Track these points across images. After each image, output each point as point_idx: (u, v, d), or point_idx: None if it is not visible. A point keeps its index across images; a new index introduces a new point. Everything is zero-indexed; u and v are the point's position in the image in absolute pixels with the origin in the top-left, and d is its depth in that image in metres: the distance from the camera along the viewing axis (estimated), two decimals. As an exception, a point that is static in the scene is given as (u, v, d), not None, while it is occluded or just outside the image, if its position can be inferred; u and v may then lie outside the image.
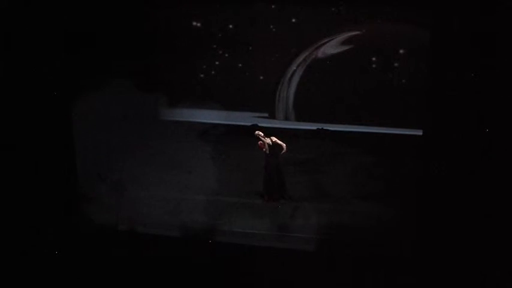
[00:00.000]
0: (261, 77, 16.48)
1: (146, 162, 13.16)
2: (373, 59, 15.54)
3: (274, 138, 12.43)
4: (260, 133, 12.42)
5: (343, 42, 15.84)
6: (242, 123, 16.32)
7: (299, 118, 16.46)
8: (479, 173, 10.37)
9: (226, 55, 16.28)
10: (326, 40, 15.97)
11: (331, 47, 15.97)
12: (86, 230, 11.36)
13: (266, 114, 16.86)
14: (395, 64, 15.35)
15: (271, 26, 15.92)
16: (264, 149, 12.33)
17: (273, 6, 15.59)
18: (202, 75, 16.42)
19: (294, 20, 15.74)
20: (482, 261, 9.77)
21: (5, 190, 11.32)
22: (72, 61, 11.60)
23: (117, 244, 11.27)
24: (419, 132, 13.56)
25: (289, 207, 12.35)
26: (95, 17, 11.99)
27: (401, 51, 15.18)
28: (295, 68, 16.38)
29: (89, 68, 12.16)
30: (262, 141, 12.31)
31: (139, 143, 13.41)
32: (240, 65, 16.34)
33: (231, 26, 16.01)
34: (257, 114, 16.73)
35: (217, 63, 16.43)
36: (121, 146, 13.16)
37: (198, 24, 16.07)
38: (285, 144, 12.46)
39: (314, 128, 15.92)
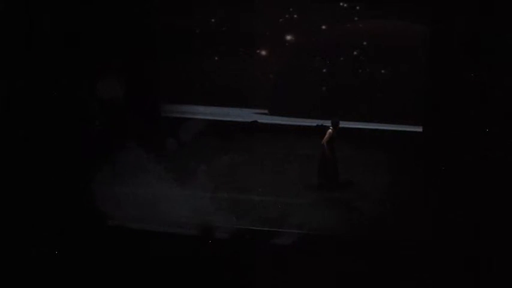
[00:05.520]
0: (261, 74, 16.52)
1: (147, 160, 13.15)
2: (374, 56, 15.61)
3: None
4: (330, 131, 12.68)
5: (344, 39, 15.90)
6: (242, 120, 16.36)
7: (299, 114, 16.49)
8: (479, 169, 10.46)
9: (227, 52, 16.31)
10: (326, 37, 16.03)
11: (331, 44, 16.03)
12: (88, 229, 11.37)
13: (266, 111, 16.91)
14: (396, 61, 15.42)
15: (272, 23, 15.95)
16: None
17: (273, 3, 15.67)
18: (202, 73, 16.44)
19: (294, 17, 15.78)
20: (482, 259, 9.82)
21: (7, 190, 11.34)
22: (74, 61, 11.63)
23: (119, 243, 11.27)
24: (419, 129, 13.72)
25: (287, 204, 12.38)
26: (97, 16, 12.02)
27: (401, 48, 15.23)
28: (295, 64, 16.44)
29: (91, 67, 12.19)
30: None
31: (141, 141, 13.39)
32: (240, 62, 16.37)
33: (230, 23, 16.04)
34: (257, 110, 16.79)
35: (217, 60, 16.46)
36: (123, 144, 13.14)
37: (198, 23, 16.10)
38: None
39: (314, 124, 15.95)
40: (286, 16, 15.98)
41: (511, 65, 9.88)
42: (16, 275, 10.14)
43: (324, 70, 16.24)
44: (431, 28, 11.47)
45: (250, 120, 16.48)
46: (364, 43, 15.70)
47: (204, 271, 10.14)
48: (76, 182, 11.84)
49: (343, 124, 13.12)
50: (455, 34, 10.31)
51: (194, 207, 11.68)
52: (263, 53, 16.42)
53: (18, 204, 11.17)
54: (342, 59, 16.14)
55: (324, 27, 15.89)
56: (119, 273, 10.07)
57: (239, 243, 11.05)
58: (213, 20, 16.30)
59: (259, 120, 16.50)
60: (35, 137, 11.56)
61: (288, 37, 16.15)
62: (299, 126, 16.09)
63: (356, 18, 15.56)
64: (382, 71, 15.64)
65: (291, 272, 9.99)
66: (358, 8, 15.29)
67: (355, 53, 15.90)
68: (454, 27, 10.30)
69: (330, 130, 12.72)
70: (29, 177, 11.38)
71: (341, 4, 15.26)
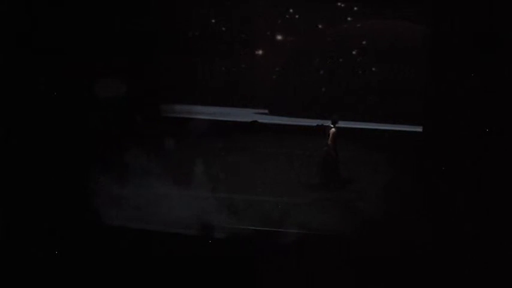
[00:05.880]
0: (261, 74, 16.57)
1: (148, 160, 13.16)
2: (374, 56, 15.67)
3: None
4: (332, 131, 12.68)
5: (344, 40, 15.95)
6: (243, 120, 16.42)
7: (299, 114, 16.55)
8: (479, 169, 10.49)
9: (227, 52, 16.36)
10: (326, 37, 16.07)
11: (332, 44, 16.08)
12: (89, 228, 11.38)
13: (266, 111, 16.96)
14: (397, 61, 15.48)
15: (272, 23, 16.02)
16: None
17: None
18: (203, 73, 16.51)
19: (294, 17, 15.85)
20: (482, 259, 9.83)
21: (7, 190, 11.35)
22: (76, 60, 11.65)
23: (119, 242, 11.28)
24: (419, 129, 13.75)
25: (284, 203, 12.40)
26: (97, 16, 12.04)
27: (402, 48, 15.29)
28: (295, 64, 16.48)
29: (92, 67, 12.21)
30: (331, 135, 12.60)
31: (142, 140, 13.42)
32: (240, 62, 16.43)
33: (230, 24, 16.11)
34: (257, 110, 16.85)
35: (217, 60, 16.52)
36: (124, 143, 13.17)
37: (199, 24, 16.17)
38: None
39: (314, 124, 16.00)
40: (287, 16, 16.03)
41: (511, 64, 9.89)
42: (16, 275, 10.18)
43: (324, 70, 16.28)
44: (431, 28, 11.49)
45: (250, 120, 16.53)
46: (364, 43, 15.76)
47: (203, 271, 10.19)
48: (76, 182, 11.87)
49: (343, 124, 13.16)
50: (455, 34, 10.34)
51: (194, 207, 11.70)
52: (263, 53, 16.46)
53: (18, 205, 11.20)
54: (341, 59, 16.19)
55: (324, 27, 15.94)
56: (120, 273, 10.14)
57: (239, 243, 11.07)
58: (213, 21, 16.34)
59: (259, 120, 16.55)
60: (35, 137, 11.57)
61: (288, 37, 16.19)
62: (299, 126, 16.15)
63: (356, 19, 15.62)
64: (382, 71, 15.69)
65: (290, 272, 10.03)
66: (358, 8, 15.34)
67: (354, 53, 15.96)
68: (454, 27, 10.33)
69: (333, 129, 12.72)
70: (29, 177, 11.40)
71: (341, 4, 15.31)
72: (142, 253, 10.76)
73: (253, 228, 11.32)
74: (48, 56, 11.48)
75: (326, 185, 12.85)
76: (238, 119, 16.50)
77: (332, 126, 12.78)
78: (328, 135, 12.74)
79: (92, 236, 11.19)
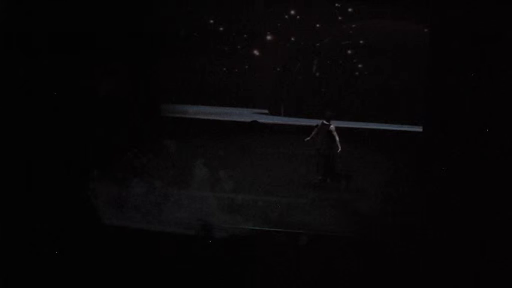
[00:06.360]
0: (261, 74, 16.60)
1: (148, 160, 13.17)
2: (374, 56, 15.68)
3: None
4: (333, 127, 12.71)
5: (343, 39, 15.97)
6: (243, 120, 16.44)
7: (299, 114, 16.57)
8: (479, 169, 10.50)
9: (227, 52, 16.38)
10: (327, 37, 16.09)
11: (331, 44, 16.09)
12: (89, 228, 11.39)
13: (266, 111, 16.98)
14: (397, 61, 15.50)
15: (272, 23, 16.04)
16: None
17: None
18: (203, 73, 16.54)
19: (295, 18, 15.88)
20: (481, 259, 9.84)
21: (7, 190, 11.34)
22: (75, 61, 11.66)
23: (119, 242, 11.28)
24: (419, 129, 13.76)
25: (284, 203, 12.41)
26: (96, 16, 12.06)
27: (402, 48, 15.31)
28: (294, 65, 16.49)
29: (92, 67, 12.22)
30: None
31: (142, 140, 13.43)
32: (240, 62, 16.46)
33: (230, 24, 16.13)
34: (257, 110, 16.87)
35: (218, 60, 16.54)
36: (124, 143, 13.18)
37: (200, 24, 16.20)
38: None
39: (314, 124, 16.02)
40: (286, 17, 16.05)
41: (511, 65, 9.91)
42: (16, 275, 10.18)
43: (324, 70, 16.30)
44: (431, 28, 11.50)
45: (250, 120, 16.55)
46: (364, 43, 15.78)
47: (203, 271, 10.20)
48: (76, 182, 11.87)
49: (343, 124, 13.17)
50: (455, 34, 10.35)
51: (193, 207, 11.71)
52: (264, 53, 16.48)
53: (18, 205, 11.20)
54: (341, 60, 16.21)
55: (324, 27, 15.96)
56: (120, 273, 10.14)
57: (239, 243, 11.08)
58: (211, 21, 16.36)
59: (259, 120, 16.56)
60: (35, 137, 11.57)
61: (289, 37, 16.21)
62: (299, 126, 16.15)
63: (356, 19, 15.65)
64: (382, 71, 15.71)
65: (291, 272, 10.03)
66: (358, 8, 15.38)
67: (354, 53, 15.97)
68: (454, 27, 10.34)
69: (333, 126, 12.72)
70: (29, 177, 11.40)
71: (341, 5, 15.33)
72: (141, 253, 10.77)
73: (253, 228, 11.35)
74: (48, 56, 11.49)
75: (326, 184, 12.87)
76: (238, 119, 16.50)
77: (327, 123, 12.77)
78: (330, 131, 12.73)
79: (92, 236, 11.20)
